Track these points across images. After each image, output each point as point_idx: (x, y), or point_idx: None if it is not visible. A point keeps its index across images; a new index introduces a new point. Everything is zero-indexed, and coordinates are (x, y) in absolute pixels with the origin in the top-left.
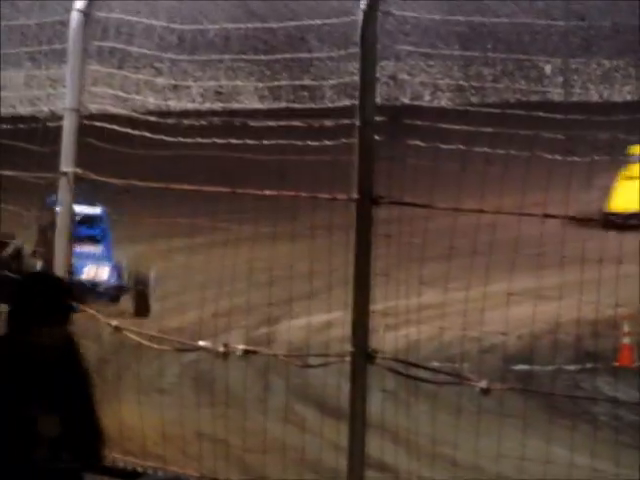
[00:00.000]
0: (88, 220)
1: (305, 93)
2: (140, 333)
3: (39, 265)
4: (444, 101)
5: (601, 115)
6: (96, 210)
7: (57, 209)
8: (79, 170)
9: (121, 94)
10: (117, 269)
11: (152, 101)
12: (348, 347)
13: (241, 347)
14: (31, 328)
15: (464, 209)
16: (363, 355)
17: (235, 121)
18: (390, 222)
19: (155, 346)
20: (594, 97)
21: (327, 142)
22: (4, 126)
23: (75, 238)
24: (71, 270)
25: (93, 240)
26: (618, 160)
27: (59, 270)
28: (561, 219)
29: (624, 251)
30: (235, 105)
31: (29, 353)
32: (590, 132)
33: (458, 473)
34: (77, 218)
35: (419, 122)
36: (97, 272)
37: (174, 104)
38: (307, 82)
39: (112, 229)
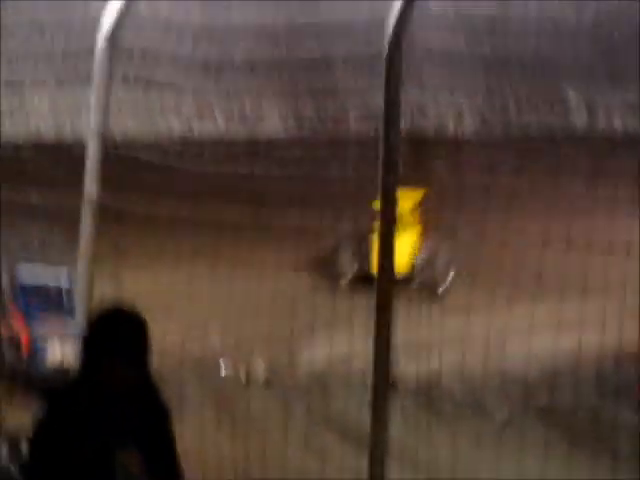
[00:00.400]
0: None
1: (329, 121)
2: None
3: None
4: (468, 131)
5: (626, 146)
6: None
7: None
8: (103, 196)
9: (146, 120)
10: None
11: (177, 127)
12: (370, 377)
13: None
14: (108, 364)
15: (487, 239)
16: (385, 385)
17: (259, 149)
18: None
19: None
20: (619, 128)
21: (351, 172)
22: (29, 151)
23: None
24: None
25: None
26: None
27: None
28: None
29: None
30: (259, 132)
31: (106, 389)
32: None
33: None
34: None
35: (443, 152)
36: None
37: (198, 130)
38: (331, 110)
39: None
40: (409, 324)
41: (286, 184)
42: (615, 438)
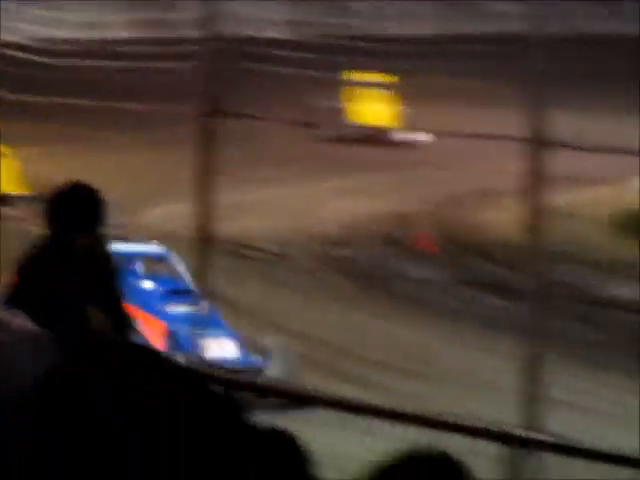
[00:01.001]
0: (152, 265)
1: (162, 25)
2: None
3: None
4: (277, 34)
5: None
6: (157, 248)
7: None
8: None
9: (12, 27)
10: (241, 340)
11: (39, 31)
12: (193, 232)
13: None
14: (69, 234)
15: (292, 123)
16: (205, 239)
17: (105, 47)
18: (231, 132)
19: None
20: (391, 30)
21: (181, 64)
22: None
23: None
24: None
25: (182, 296)
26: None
27: None
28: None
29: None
30: (105, 34)
31: (72, 255)
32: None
33: (288, 337)
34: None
35: (256, 50)
36: (222, 348)
37: (56, 33)
38: (163, 15)
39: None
40: (228, 190)
41: (124, 75)
42: (396, 283)
